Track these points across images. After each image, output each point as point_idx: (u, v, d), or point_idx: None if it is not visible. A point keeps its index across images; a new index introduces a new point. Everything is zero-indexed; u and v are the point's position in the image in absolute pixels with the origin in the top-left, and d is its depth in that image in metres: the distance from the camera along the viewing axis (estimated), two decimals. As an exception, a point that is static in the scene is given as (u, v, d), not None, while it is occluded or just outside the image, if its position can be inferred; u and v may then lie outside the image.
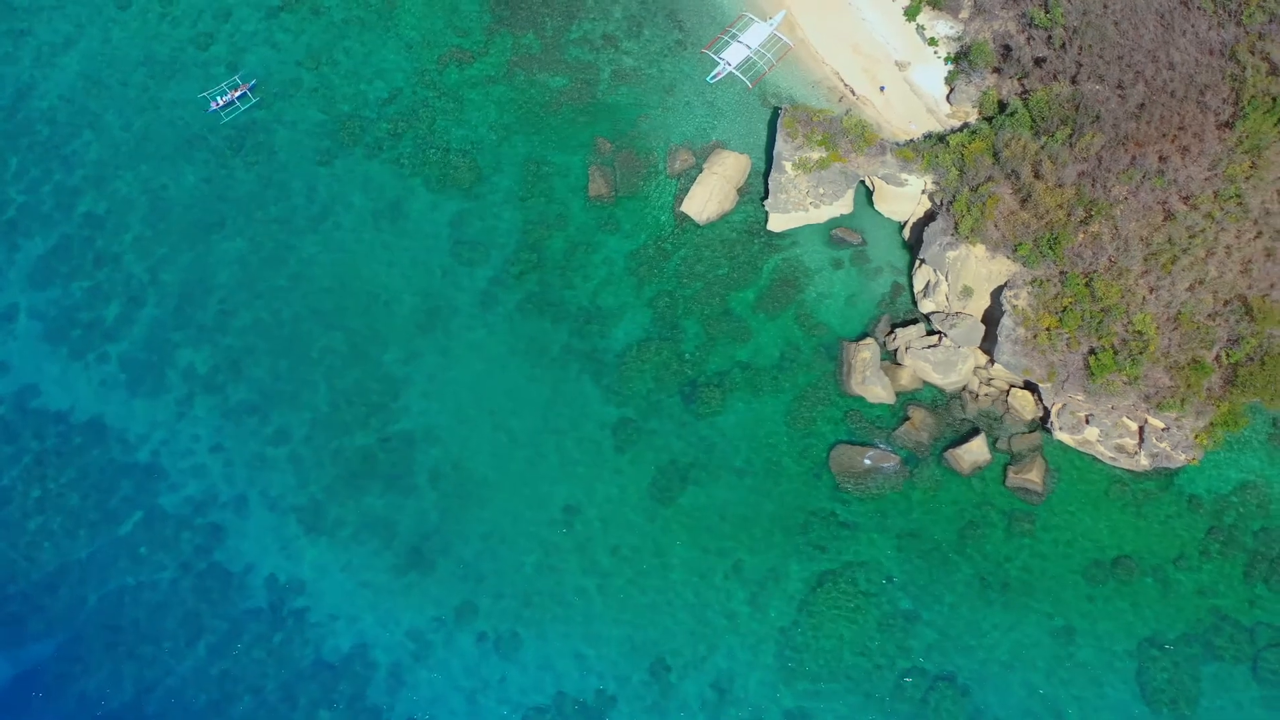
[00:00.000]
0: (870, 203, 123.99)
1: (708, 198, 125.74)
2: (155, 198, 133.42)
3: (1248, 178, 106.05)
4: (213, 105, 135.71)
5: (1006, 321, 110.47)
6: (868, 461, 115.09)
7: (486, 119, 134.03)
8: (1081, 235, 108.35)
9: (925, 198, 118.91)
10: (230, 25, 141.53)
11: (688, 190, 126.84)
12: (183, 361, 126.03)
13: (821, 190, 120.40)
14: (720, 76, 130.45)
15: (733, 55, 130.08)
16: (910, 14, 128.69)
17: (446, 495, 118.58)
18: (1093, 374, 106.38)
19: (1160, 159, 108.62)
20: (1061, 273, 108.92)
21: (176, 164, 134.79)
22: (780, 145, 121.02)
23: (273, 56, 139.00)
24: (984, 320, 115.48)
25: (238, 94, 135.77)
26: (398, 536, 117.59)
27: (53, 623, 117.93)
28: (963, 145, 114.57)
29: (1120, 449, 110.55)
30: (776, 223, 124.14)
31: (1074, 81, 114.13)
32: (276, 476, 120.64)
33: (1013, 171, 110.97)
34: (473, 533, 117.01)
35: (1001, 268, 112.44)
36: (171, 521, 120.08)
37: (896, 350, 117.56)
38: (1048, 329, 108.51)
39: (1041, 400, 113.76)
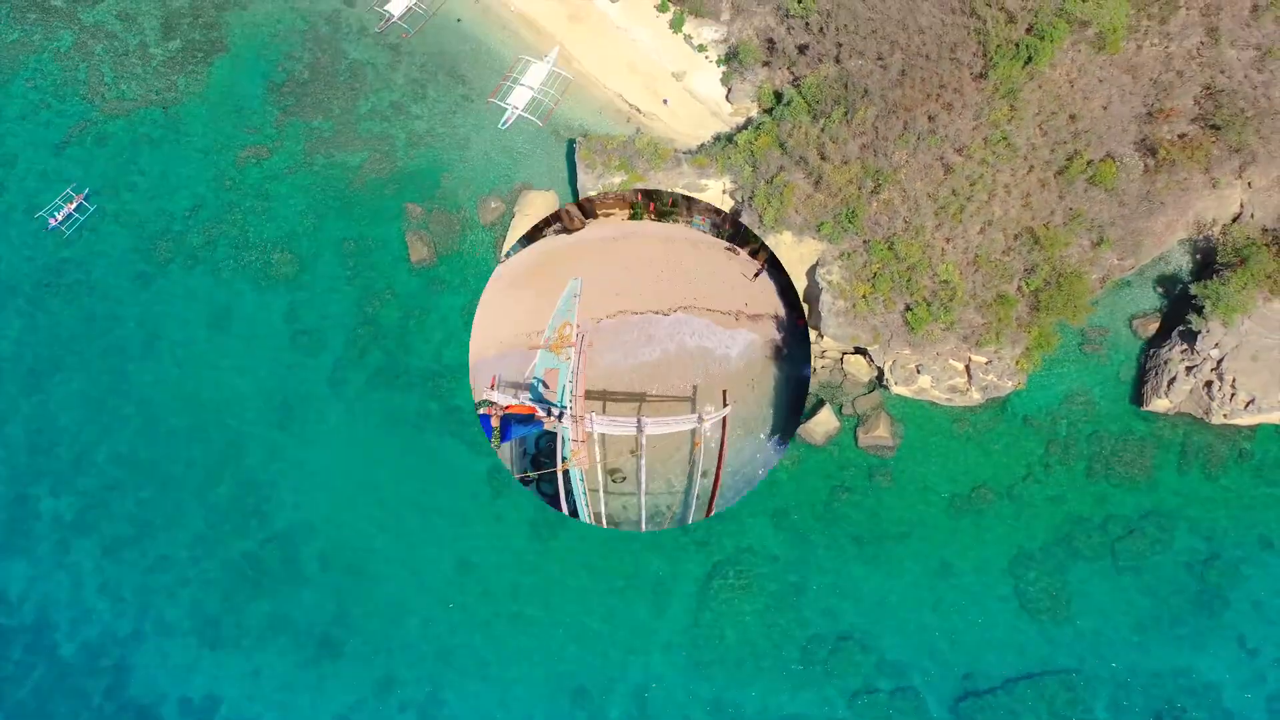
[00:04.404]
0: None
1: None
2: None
3: (1009, 120, 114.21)
4: (51, 222, 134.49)
5: (825, 297, 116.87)
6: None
7: (296, 209, 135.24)
8: (875, 204, 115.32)
9: (727, 197, 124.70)
10: (19, 170, 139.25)
11: (504, 236, 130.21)
12: (47, 512, 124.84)
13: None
14: (511, 121, 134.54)
15: (518, 99, 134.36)
16: (675, 26, 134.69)
17: (340, 579, 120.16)
18: (912, 328, 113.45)
19: (929, 119, 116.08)
20: (865, 242, 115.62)
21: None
22: (582, 177, 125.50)
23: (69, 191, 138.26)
24: (805, 300, 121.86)
25: (74, 206, 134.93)
26: (301, 630, 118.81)
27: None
28: (750, 142, 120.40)
29: (953, 389, 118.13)
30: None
31: (838, 61, 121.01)
32: (168, 602, 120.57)
33: (801, 158, 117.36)
34: (374, 609, 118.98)
35: (810, 249, 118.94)
36: (73, 671, 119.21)
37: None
38: (864, 296, 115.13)
39: (873, 361, 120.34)
